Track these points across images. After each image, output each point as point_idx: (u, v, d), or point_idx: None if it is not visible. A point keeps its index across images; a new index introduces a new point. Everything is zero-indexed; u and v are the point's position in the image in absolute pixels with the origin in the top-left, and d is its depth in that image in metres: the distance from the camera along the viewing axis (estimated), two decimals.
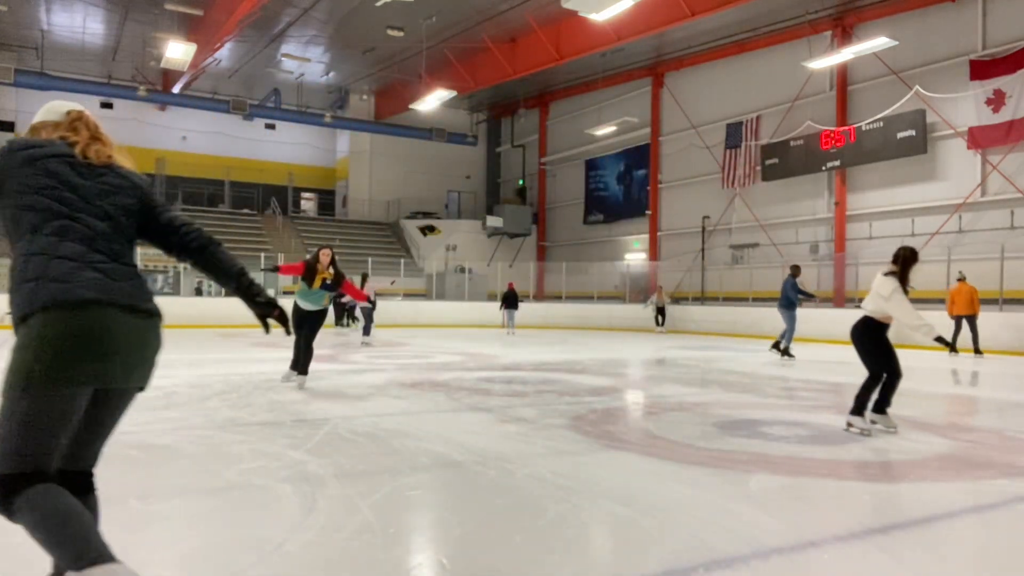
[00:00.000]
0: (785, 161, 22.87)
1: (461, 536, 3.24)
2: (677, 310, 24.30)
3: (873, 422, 5.85)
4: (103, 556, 2.03)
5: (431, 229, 33.19)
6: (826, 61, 19.60)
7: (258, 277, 2.67)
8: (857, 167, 21.22)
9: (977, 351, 14.42)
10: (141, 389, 2.24)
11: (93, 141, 2.27)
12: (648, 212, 28.24)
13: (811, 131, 22.03)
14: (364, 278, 18.32)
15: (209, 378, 8.73)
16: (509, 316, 21.85)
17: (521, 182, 35.26)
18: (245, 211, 33.04)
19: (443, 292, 28.22)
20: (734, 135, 24.74)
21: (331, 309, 23.26)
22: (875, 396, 5.88)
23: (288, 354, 12.61)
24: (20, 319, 2.01)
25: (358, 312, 23.50)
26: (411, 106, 26.28)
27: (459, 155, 36.09)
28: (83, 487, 2.25)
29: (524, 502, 3.72)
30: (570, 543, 3.15)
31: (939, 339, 5.80)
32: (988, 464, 4.79)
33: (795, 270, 13.28)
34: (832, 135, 21.42)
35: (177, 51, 20.53)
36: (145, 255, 24.84)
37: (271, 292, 23.00)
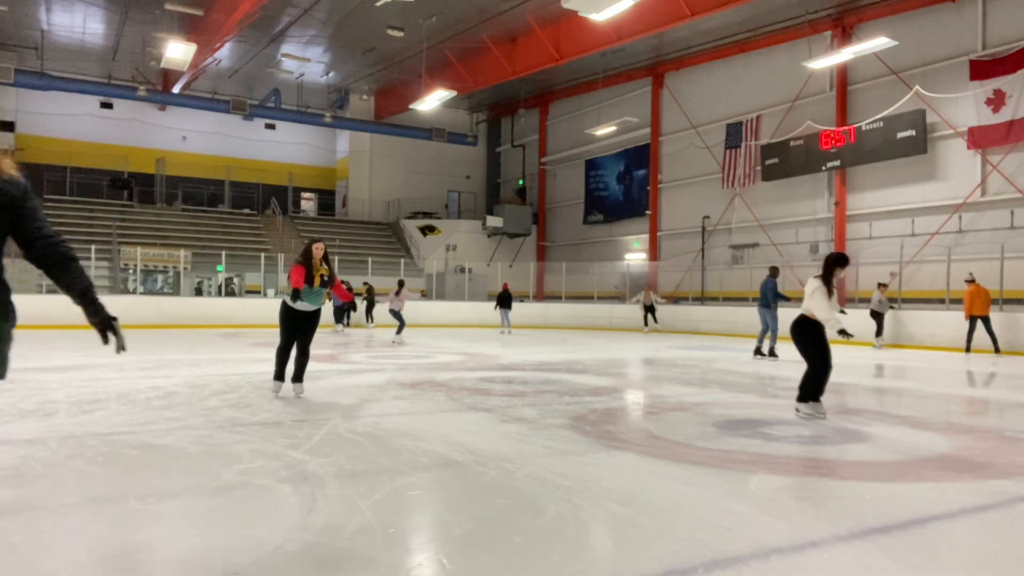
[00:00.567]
0: (785, 161, 22.87)
1: (461, 536, 3.24)
2: (678, 310, 24.30)
3: (797, 410, 6.59)
4: None
5: (431, 229, 33.20)
6: (826, 61, 19.60)
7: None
8: (857, 167, 21.22)
9: (996, 350, 14.73)
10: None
11: None
12: (648, 212, 28.24)
13: (811, 131, 22.03)
14: (401, 285, 18.51)
15: (209, 378, 8.73)
16: (504, 316, 21.92)
17: (521, 182, 35.26)
18: (245, 211, 33.04)
19: (443, 292, 28.22)
20: (734, 135, 24.74)
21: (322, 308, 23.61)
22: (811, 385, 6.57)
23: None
24: None
25: (360, 313, 23.53)
26: (411, 106, 26.29)
27: (459, 155, 36.10)
28: None
29: (524, 502, 3.72)
30: (570, 543, 3.15)
31: (842, 332, 6.39)
32: (988, 464, 4.79)
33: (773, 271, 13.28)
34: (832, 135, 21.42)
35: (177, 51, 20.53)
36: (145, 255, 24.86)
37: (271, 292, 23.11)
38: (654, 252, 28.02)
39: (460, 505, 3.74)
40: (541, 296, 30.45)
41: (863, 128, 20.64)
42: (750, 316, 21.36)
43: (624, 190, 29.72)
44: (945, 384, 9.97)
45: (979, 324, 14.85)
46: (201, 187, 33.34)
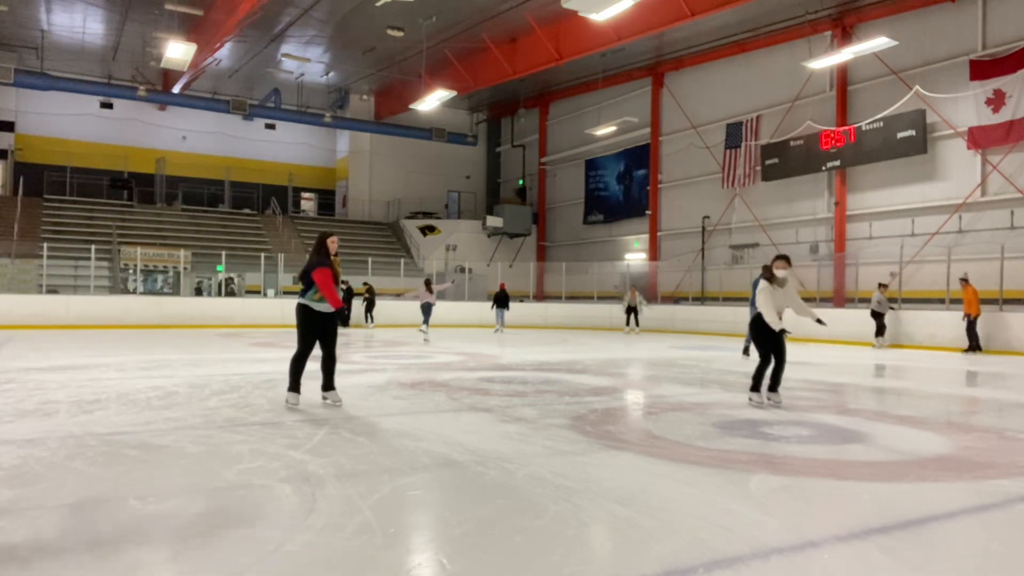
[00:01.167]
0: (785, 161, 22.87)
1: (461, 536, 3.24)
2: (678, 310, 24.30)
3: (769, 399, 7.23)
4: None
5: (431, 229, 33.19)
6: (826, 61, 19.60)
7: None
8: (857, 167, 21.22)
9: (978, 348, 15.16)
10: None
11: None
12: (648, 212, 28.24)
13: (811, 131, 22.03)
14: (428, 283, 18.58)
15: (209, 378, 8.72)
16: (499, 315, 21.93)
17: (521, 182, 35.27)
18: (245, 211, 33.04)
19: (443, 292, 28.20)
20: (734, 135, 24.74)
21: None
22: (768, 378, 7.25)
23: (284, 353, 12.64)
24: None
25: (360, 314, 23.53)
26: (411, 106, 26.28)
27: (459, 155, 36.11)
28: None
29: (524, 502, 3.72)
30: (570, 543, 3.15)
31: (782, 331, 7.09)
32: (988, 464, 4.79)
33: (766, 270, 13.18)
34: (832, 135, 21.42)
35: (177, 51, 20.52)
36: (145, 255, 24.86)
37: (271, 292, 23.05)
38: (654, 252, 28.02)
39: (460, 505, 3.74)
40: (541, 296, 30.46)
41: (863, 128, 20.64)
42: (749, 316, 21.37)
43: (624, 190, 29.72)
44: (945, 384, 9.97)
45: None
46: (201, 187, 33.34)
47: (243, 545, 3.03)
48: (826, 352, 15.39)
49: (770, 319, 7.08)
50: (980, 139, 18.41)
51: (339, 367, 10.61)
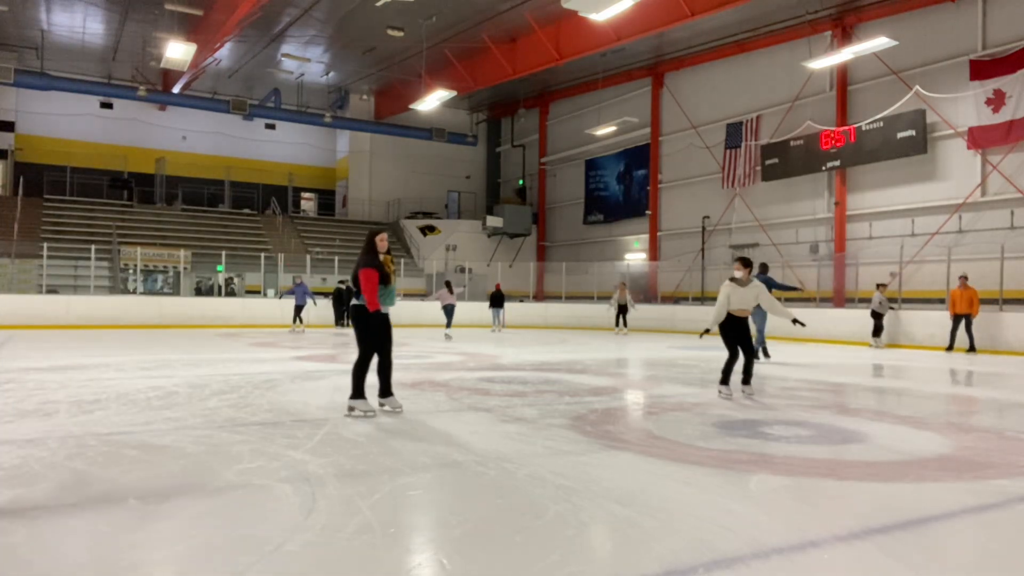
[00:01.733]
0: (785, 161, 22.87)
1: (461, 536, 3.24)
2: (679, 310, 24.28)
3: (743, 391, 7.80)
4: None
5: (431, 229, 33.19)
6: (826, 61, 19.60)
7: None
8: (857, 167, 21.22)
9: (973, 348, 15.22)
10: None
11: None
12: (648, 212, 28.24)
13: (811, 131, 22.03)
14: (449, 285, 18.61)
15: (209, 378, 8.72)
16: (495, 315, 21.90)
17: (521, 182, 35.27)
18: (245, 211, 33.04)
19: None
20: (734, 135, 24.74)
21: (331, 307, 23.63)
22: (740, 372, 7.85)
23: (284, 353, 12.67)
24: None
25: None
26: (411, 106, 26.28)
27: (459, 155, 36.11)
28: None
29: (524, 502, 3.72)
30: (570, 543, 3.15)
31: (705, 331, 7.95)
32: (988, 464, 4.79)
33: (764, 268, 13.18)
34: (832, 135, 21.42)
35: (177, 51, 20.53)
36: (145, 255, 24.86)
37: (271, 292, 22.99)
38: (654, 252, 28.02)
39: (460, 505, 3.74)
40: (541, 296, 30.45)
41: (863, 128, 20.64)
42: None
43: (624, 190, 29.72)
44: (945, 384, 9.97)
45: (962, 322, 15.24)
46: (201, 187, 33.34)
47: (243, 545, 3.03)
48: (826, 352, 15.39)
49: (713, 315, 7.79)
50: (980, 139, 18.42)
51: (339, 367, 10.65)
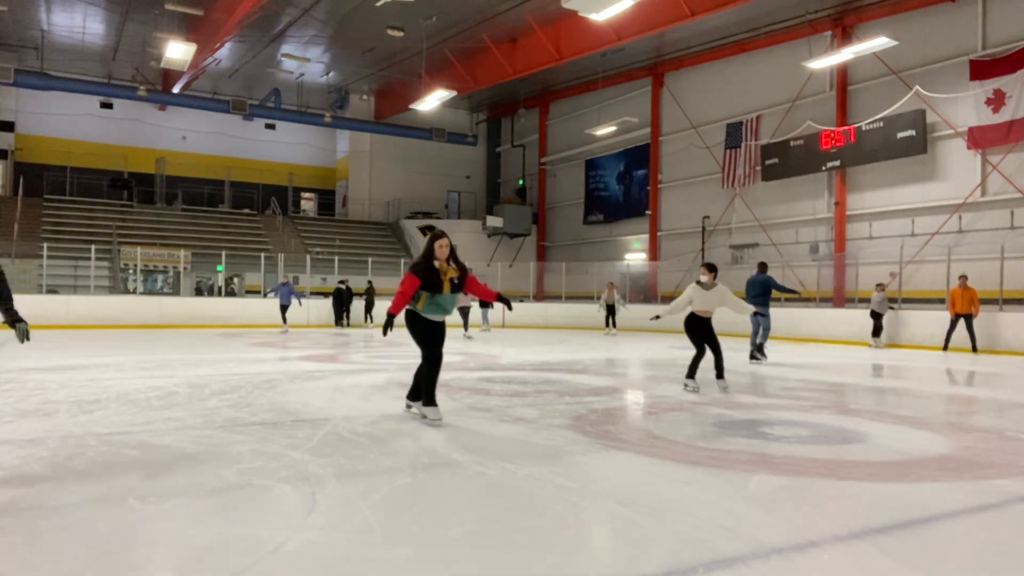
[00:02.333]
0: (785, 161, 22.87)
1: (461, 536, 3.24)
2: None
3: (718, 386, 8.33)
4: None
5: (431, 229, 33.15)
6: (826, 61, 19.60)
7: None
8: (857, 167, 21.22)
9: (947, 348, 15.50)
10: None
11: None
12: (648, 212, 28.24)
13: (811, 131, 22.03)
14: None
15: (209, 378, 8.72)
16: (484, 315, 21.81)
17: (521, 182, 35.26)
18: (245, 211, 33.04)
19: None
20: (734, 135, 24.74)
21: (331, 307, 23.63)
22: (705, 366, 8.49)
23: (284, 353, 12.66)
24: None
25: (360, 313, 23.52)
26: (411, 106, 26.29)
27: (459, 155, 36.11)
28: None
29: (524, 502, 3.72)
30: (570, 543, 3.15)
31: (656, 317, 8.56)
32: (988, 464, 4.79)
33: (764, 267, 13.08)
34: (832, 135, 21.42)
35: (177, 51, 20.53)
36: (145, 255, 24.87)
37: (271, 293, 22.89)
38: (654, 252, 28.02)
39: (460, 505, 3.74)
40: (541, 296, 30.44)
41: (863, 128, 20.64)
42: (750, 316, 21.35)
43: (624, 190, 29.72)
44: (944, 384, 9.97)
45: (960, 322, 15.28)
46: (201, 187, 33.33)
47: (243, 545, 3.03)
48: (826, 352, 15.39)
49: (669, 307, 8.62)
50: (980, 139, 18.42)
51: (339, 367, 10.65)
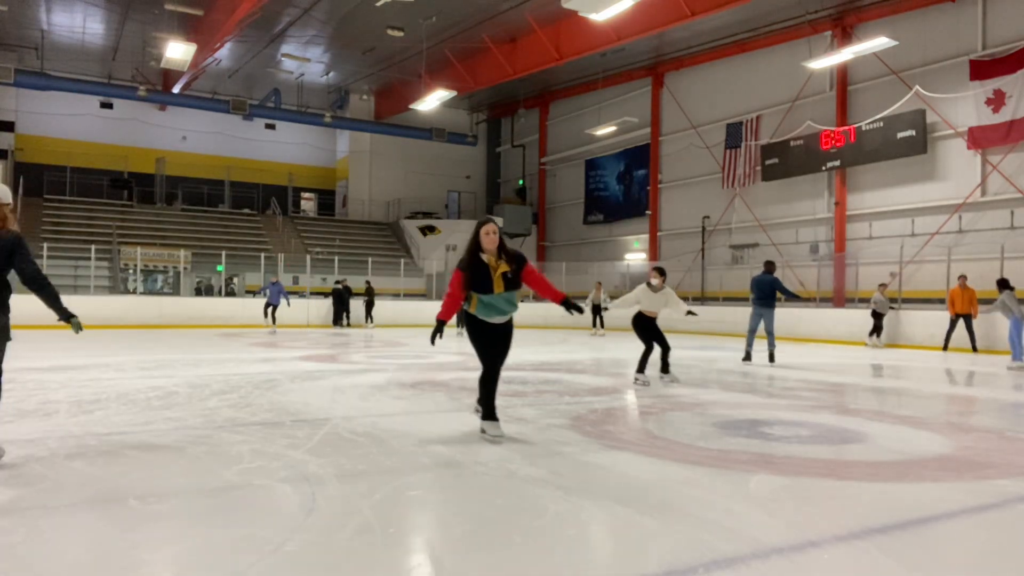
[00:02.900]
0: (785, 161, 22.87)
1: (461, 536, 3.24)
2: None
3: (664, 379, 9.11)
4: None
5: (431, 229, 33.19)
6: (826, 61, 19.60)
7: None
8: (857, 167, 21.22)
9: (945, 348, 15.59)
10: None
11: None
12: (648, 212, 28.24)
13: (811, 131, 22.03)
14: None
15: (209, 378, 8.72)
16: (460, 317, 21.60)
17: (521, 182, 35.27)
18: (245, 211, 33.04)
19: (443, 292, 28.20)
20: (734, 135, 24.74)
21: (331, 306, 23.62)
22: (658, 362, 9.29)
23: (284, 353, 12.66)
24: None
25: (360, 313, 23.51)
26: (411, 106, 26.28)
27: (459, 155, 36.10)
28: None
29: (524, 502, 3.72)
30: (570, 543, 3.15)
31: (605, 308, 9.08)
32: (988, 464, 4.79)
33: (771, 267, 12.72)
34: (832, 135, 21.42)
35: (177, 51, 20.52)
36: (145, 255, 24.88)
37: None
38: (654, 252, 28.01)
39: (460, 505, 3.74)
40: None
41: (863, 128, 20.64)
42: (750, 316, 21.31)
43: (624, 190, 29.72)
44: (944, 384, 9.97)
45: (960, 322, 15.30)
46: (201, 187, 33.34)
47: (243, 545, 3.03)
48: (826, 352, 15.39)
49: (619, 301, 9.17)
50: (980, 139, 18.41)
51: (339, 367, 10.65)
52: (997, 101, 18.08)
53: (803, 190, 22.89)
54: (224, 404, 6.74)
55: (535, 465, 4.50)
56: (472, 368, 10.67)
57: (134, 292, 24.29)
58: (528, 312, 25.97)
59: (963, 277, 15.27)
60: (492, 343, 5.26)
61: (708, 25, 22.44)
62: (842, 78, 21.69)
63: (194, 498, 3.76)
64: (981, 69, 18.40)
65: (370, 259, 26.42)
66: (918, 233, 19.73)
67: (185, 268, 25.73)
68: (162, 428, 5.52)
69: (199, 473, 4.24)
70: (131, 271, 24.69)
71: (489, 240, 5.01)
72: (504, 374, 9.97)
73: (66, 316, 4.69)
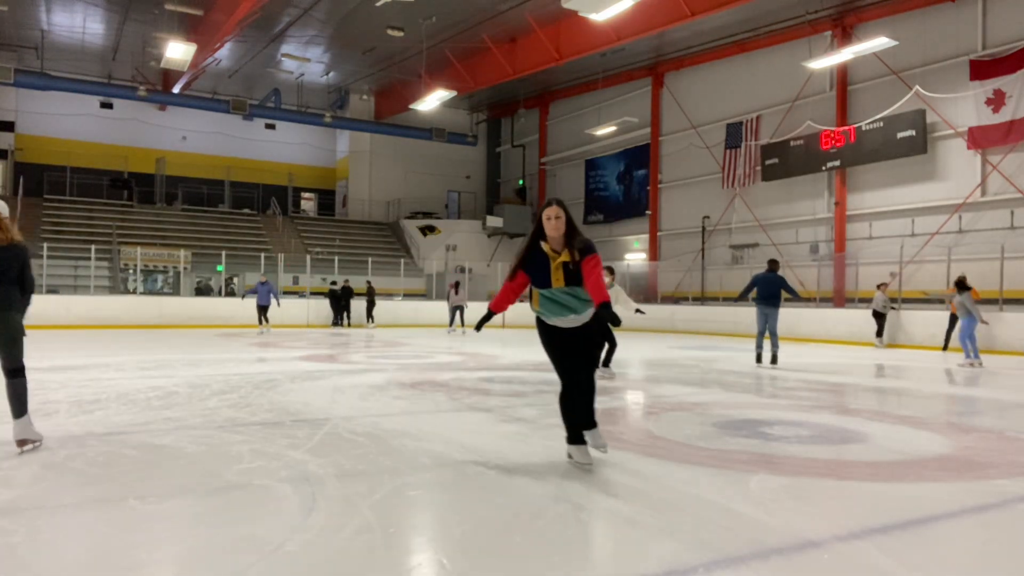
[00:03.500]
0: (785, 161, 22.87)
1: (461, 536, 3.24)
2: (678, 310, 24.28)
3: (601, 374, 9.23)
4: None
5: (431, 229, 33.19)
6: (826, 61, 19.60)
7: None
8: (857, 167, 21.22)
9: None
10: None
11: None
12: (648, 212, 28.24)
13: (811, 131, 22.03)
14: (457, 285, 18.27)
15: (209, 378, 8.72)
16: (459, 315, 21.54)
17: (521, 182, 35.26)
18: (245, 211, 33.04)
19: (443, 292, 28.21)
20: (734, 135, 24.74)
21: (329, 306, 23.61)
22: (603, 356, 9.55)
23: (284, 353, 12.65)
24: None
25: (361, 313, 23.51)
26: (411, 106, 26.28)
27: (459, 155, 36.10)
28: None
29: (524, 502, 3.72)
30: (570, 543, 3.15)
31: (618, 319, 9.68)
32: (988, 464, 4.79)
33: (775, 265, 12.54)
34: (832, 135, 21.42)
35: (177, 51, 20.52)
36: (145, 255, 24.88)
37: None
38: (654, 252, 28.01)
39: (460, 505, 3.74)
40: None
41: (863, 128, 20.64)
42: (750, 316, 21.24)
43: (624, 190, 29.72)
44: (944, 384, 9.97)
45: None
46: (201, 187, 33.33)
47: (243, 545, 3.03)
48: (826, 352, 15.39)
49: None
50: (980, 139, 18.42)
51: (339, 367, 10.64)
52: (997, 101, 18.08)
53: (803, 190, 22.89)
54: (224, 404, 6.74)
55: (535, 465, 4.49)
56: (472, 368, 10.67)
57: (134, 292, 24.29)
58: (528, 312, 25.98)
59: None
60: (564, 351, 4.41)
61: (708, 25, 22.43)
62: (842, 78, 21.69)
63: (194, 498, 3.76)
64: (981, 69, 18.40)
65: (370, 259, 26.42)
66: (918, 233, 19.73)
67: (185, 268, 25.73)
68: (162, 428, 5.52)
69: (199, 473, 4.23)
70: (131, 271, 24.69)
71: (551, 226, 4.23)
72: (504, 374, 10.00)
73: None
